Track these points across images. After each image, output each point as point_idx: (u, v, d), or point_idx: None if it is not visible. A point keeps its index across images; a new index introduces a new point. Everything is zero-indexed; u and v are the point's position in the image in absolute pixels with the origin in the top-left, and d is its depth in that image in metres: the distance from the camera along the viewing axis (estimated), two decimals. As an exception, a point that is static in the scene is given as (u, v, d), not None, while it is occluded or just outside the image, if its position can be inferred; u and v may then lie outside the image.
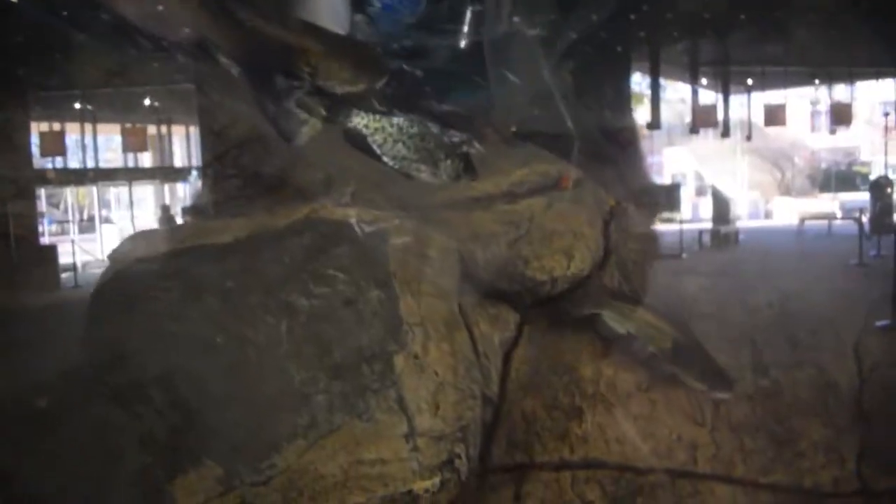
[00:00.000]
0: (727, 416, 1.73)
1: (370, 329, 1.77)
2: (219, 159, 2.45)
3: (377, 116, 1.62)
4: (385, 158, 1.62)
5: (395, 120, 1.60)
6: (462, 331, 1.96)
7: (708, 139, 8.89)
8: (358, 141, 1.63)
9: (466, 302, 2.01)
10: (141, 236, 2.26)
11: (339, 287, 1.75)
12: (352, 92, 1.77)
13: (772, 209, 9.66)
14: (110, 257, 2.03)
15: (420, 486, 1.74)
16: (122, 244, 2.08)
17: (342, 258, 1.77)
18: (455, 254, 2.02)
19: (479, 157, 2.02)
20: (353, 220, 1.84)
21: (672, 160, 9.84)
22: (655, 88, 7.00)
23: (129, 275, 1.80)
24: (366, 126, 1.63)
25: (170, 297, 1.77)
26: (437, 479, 1.77)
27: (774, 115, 8.25)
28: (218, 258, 1.83)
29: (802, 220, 6.38)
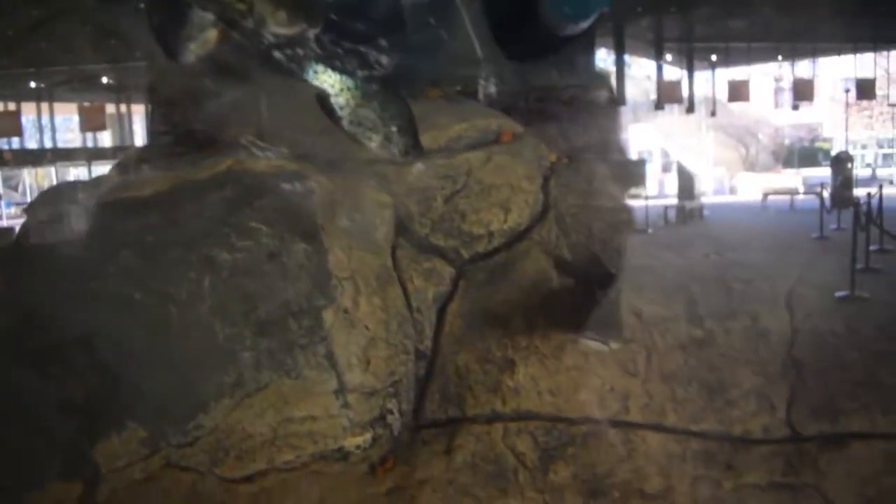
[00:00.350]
0: (659, 366, 1.70)
1: (296, 283, 1.72)
2: (150, 115, 2.38)
3: (344, 77, 1.56)
4: (343, 122, 1.56)
5: (360, 83, 1.54)
6: (395, 285, 1.92)
7: (673, 115, 8.95)
8: (321, 99, 1.57)
9: (401, 256, 1.97)
10: (58, 190, 2.18)
11: (263, 240, 1.69)
12: (285, 35, 1.71)
13: (736, 185, 9.72)
14: (26, 211, 1.95)
15: (351, 442, 1.71)
16: (39, 198, 2.00)
17: (265, 210, 1.71)
18: (389, 208, 1.98)
19: (419, 114, 1.98)
20: (277, 172, 1.78)
21: (638, 136, 9.87)
22: (620, 65, 7.03)
23: (45, 230, 1.72)
24: (332, 85, 1.57)
25: (87, 254, 1.70)
26: (368, 436, 1.74)
27: (738, 92, 8.35)
28: (137, 212, 1.76)
29: (766, 196, 6.45)
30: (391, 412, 1.76)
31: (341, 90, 1.54)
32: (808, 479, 1.55)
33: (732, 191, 9.82)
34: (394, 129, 1.60)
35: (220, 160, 1.79)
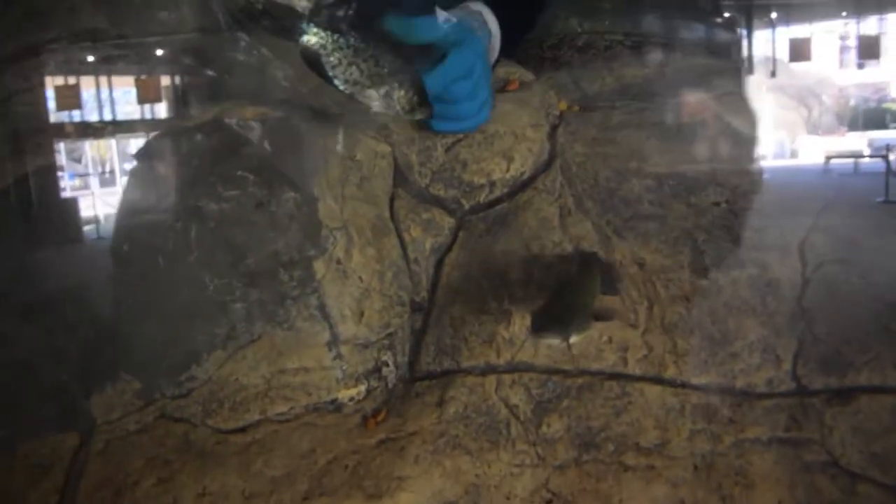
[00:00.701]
0: (661, 316, 1.64)
1: (286, 233, 1.69)
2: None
3: (335, 36, 1.50)
4: (337, 81, 1.50)
5: (352, 40, 1.48)
6: (391, 236, 1.88)
7: (732, 76, 8.60)
8: (312, 60, 1.51)
9: (399, 207, 1.92)
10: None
11: (250, 189, 1.66)
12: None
13: (798, 148, 9.36)
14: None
15: (344, 394, 1.69)
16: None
17: (252, 159, 1.68)
18: (388, 158, 1.93)
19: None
20: (264, 119, 1.74)
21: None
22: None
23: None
24: (322, 46, 1.51)
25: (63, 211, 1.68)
26: (362, 388, 1.71)
27: (800, 51, 7.93)
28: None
29: (829, 159, 6.21)
30: (386, 364, 1.74)
31: (333, 49, 1.47)
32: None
33: (794, 154, 9.48)
34: (395, 84, 1.53)
35: (208, 109, 1.75)
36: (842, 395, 1.52)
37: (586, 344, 1.62)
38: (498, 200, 1.99)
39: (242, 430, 1.59)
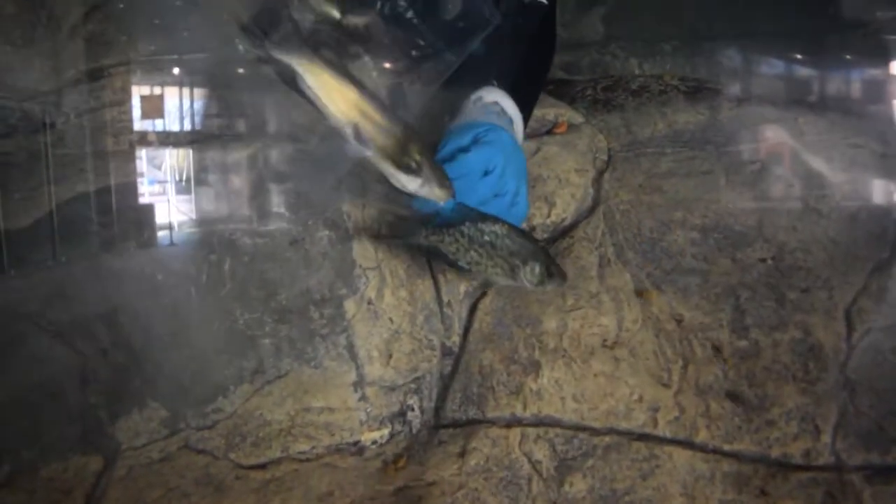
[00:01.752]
0: (695, 377, 1.59)
1: (319, 271, 1.69)
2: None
3: (450, 230, 1.53)
4: (461, 263, 1.52)
5: (465, 229, 1.51)
6: (426, 279, 1.86)
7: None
8: (434, 252, 1.60)
9: (436, 249, 1.90)
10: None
11: (285, 226, 1.66)
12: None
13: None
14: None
15: (368, 436, 1.67)
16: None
17: (290, 195, 1.68)
18: (428, 198, 1.91)
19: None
20: (303, 157, 1.75)
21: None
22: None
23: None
24: (440, 241, 1.54)
25: (108, 232, 1.71)
26: (385, 431, 1.69)
27: None
28: (166, 194, 1.76)
29: None
30: (412, 409, 1.71)
31: (449, 242, 1.60)
32: None
33: None
34: (517, 262, 1.55)
35: (248, 144, 1.76)
36: (883, 473, 1.44)
37: (616, 401, 1.57)
38: (539, 246, 1.96)
39: (263, 466, 1.58)
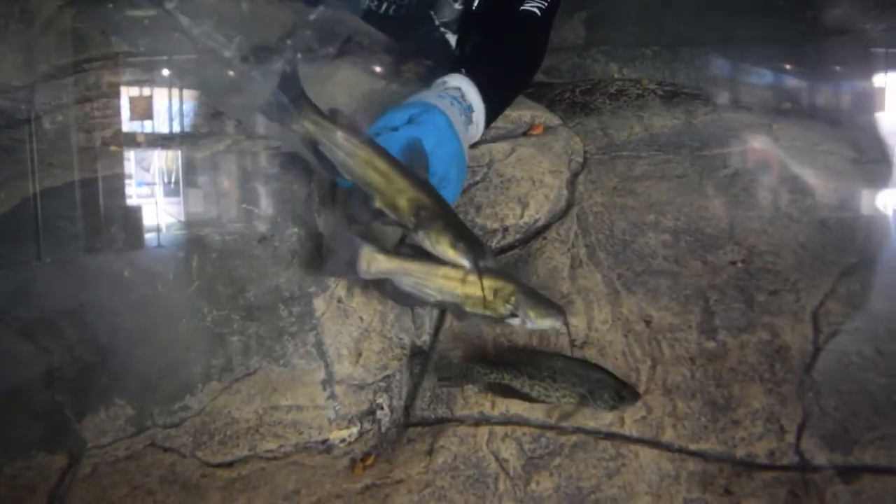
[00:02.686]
0: (663, 377, 1.60)
1: (288, 269, 1.68)
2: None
3: (507, 368, 1.61)
4: (533, 395, 1.57)
5: (524, 368, 1.59)
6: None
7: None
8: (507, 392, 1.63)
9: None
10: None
11: (254, 223, 1.66)
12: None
13: (888, 207, 8.97)
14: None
15: (336, 435, 1.67)
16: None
17: (258, 192, 1.68)
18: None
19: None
20: (273, 155, 1.74)
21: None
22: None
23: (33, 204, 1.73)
24: (500, 379, 1.62)
25: (76, 228, 1.69)
26: (354, 430, 1.69)
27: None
28: (135, 190, 1.75)
29: None
30: (381, 407, 1.71)
31: (510, 380, 1.66)
32: None
33: (884, 213, 9.04)
34: (584, 390, 1.61)
35: (220, 140, 1.76)
36: (846, 472, 1.45)
37: (584, 401, 1.58)
38: (511, 246, 1.97)
39: (230, 464, 1.58)
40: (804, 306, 1.78)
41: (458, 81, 1.81)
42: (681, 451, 1.54)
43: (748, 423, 1.57)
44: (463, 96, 1.78)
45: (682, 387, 1.62)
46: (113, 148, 1.80)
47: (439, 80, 1.84)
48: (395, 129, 1.59)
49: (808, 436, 1.54)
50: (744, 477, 1.50)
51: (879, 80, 3.02)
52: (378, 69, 2.26)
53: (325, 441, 1.62)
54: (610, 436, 1.56)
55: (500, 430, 1.58)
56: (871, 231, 2.06)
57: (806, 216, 2.05)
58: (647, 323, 1.74)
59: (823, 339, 1.71)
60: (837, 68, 3.24)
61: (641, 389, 1.60)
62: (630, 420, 1.58)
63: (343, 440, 1.63)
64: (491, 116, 1.93)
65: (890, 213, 2.21)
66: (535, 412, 1.60)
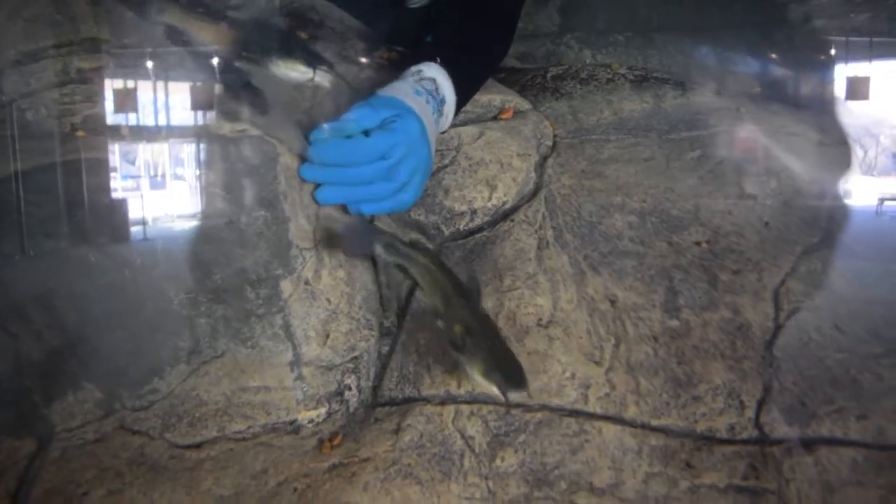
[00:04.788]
0: (626, 355, 1.62)
1: (255, 251, 1.69)
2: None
3: None
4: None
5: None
6: (365, 259, 1.87)
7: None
8: None
9: (378, 230, 1.92)
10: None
11: (220, 206, 1.67)
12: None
13: (851, 189, 9.05)
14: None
15: (304, 415, 1.68)
16: None
17: (225, 176, 1.68)
18: (368, 180, 1.92)
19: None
20: (240, 136, 1.75)
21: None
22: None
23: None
24: None
25: (41, 213, 1.69)
26: (322, 410, 1.70)
27: (858, 89, 7.60)
28: (101, 174, 1.75)
29: (882, 202, 6.05)
30: (349, 388, 1.73)
31: None
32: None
33: (846, 195, 9.15)
34: None
35: (187, 124, 1.76)
36: (803, 445, 1.49)
37: (549, 378, 1.60)
38: (479, 229, 1.99)
39: (198, 446, 1.59)
40: (766, 285, 1.80)
41: (434, 72, 1.83)
42: (643, 426, 1.56)
43: (709, 399, 1.60)
44: (437, 89, 1.81)
45: (646, 364, 1.64)
46: (80, 133, 1.79)
47: (414, 69, 1.85)
48: (367, 132, 1.60)
49: (767, 410, 1.57)
50: (704, 451, 1.53)
51: (846, 67, 3.07)
52: (351, 55, 2.27)
53: (293, 422, 1.63)
54: (574, 413, 1.58)
55: (466, 408, 1.59)
56: (834, 212, 2.09)
57: (770, 198, 2.08)
58: (612, 302, 1.76)
59: (784, 316, 1.74)
60: (807, 55, 3.28)
61: (605, 367, 1.62)
62: (594, 397, 1.60)
63: (311, 421, 1.64)
64: (460, 106, 1.95)
65: (851, 194, 2.25)
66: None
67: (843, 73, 3.02)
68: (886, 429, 1.53)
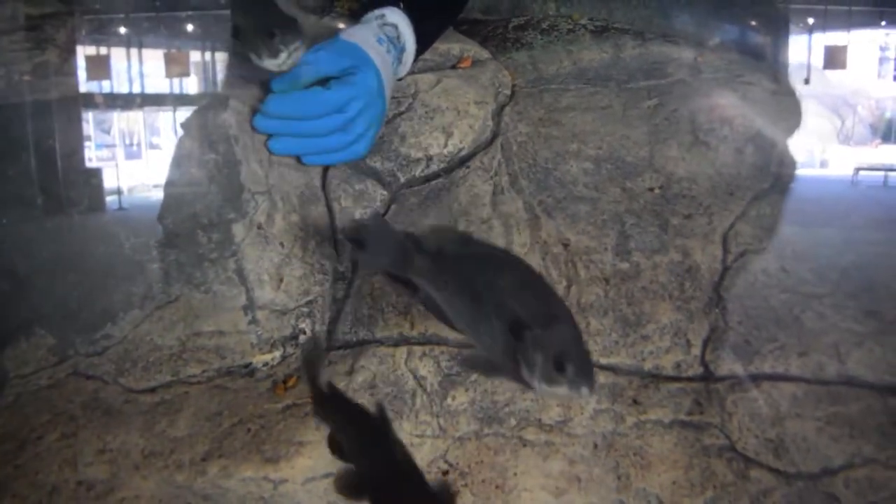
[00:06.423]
0: (578, 297, 1.65)
1: (205, 196, 1.68)
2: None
3: None
4: None
5: None
6: (319, 205, 1.87)
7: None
8: None
9: (333, 176, 1.92)
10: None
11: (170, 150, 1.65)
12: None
13: (828, 158, 8.97)
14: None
15: (259, 359, 1.69)
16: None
17: (174, 119, 1.67)
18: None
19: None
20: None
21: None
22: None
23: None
24: None
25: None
26: (277, 354, 1.71)
27: (836, 59, 7.49)
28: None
29: (857, 171, 6.08)
30: (304, 332, 1.74)
31: None
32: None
33: (823, 164, 9.07)
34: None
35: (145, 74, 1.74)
36: (746, 381, 1.53)
37: (500, 320, 1.61)
38: (434, 175, 1.99)
39: (153, 390, 1.60)
40: (715, 229, 1.83)
41: (396, 18, 1.81)
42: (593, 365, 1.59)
43: (657, 339, 1.63)
44: (398, 37, 1.78)
45: (596, 305, 1.67)
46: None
47: (378, 12, 1.82)
48: (325, 82, 1.58)
49: (712, 349, 1.61)
50: (651, 388, 1.57)
51: (805, 18, 3.10)
52: (310, 3, 2.24)
53: (247, 365, 1.64)
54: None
55: (418, 349, 1.61)
56: (784, 158, 2.12)
57: (723, 144, 2.10)
58: (565, 246, 1.78)
59: (732, 259, 1.77)
60: (765, 5, 3.30)
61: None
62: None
63: (266, 364, 1.65)
64: (419, 53, 1.93)
65: (801, 140, 2.29)
66: (453, 332, 1.63)
67: (802, 23, 3.05)
68: (826, 364, 1.58)
